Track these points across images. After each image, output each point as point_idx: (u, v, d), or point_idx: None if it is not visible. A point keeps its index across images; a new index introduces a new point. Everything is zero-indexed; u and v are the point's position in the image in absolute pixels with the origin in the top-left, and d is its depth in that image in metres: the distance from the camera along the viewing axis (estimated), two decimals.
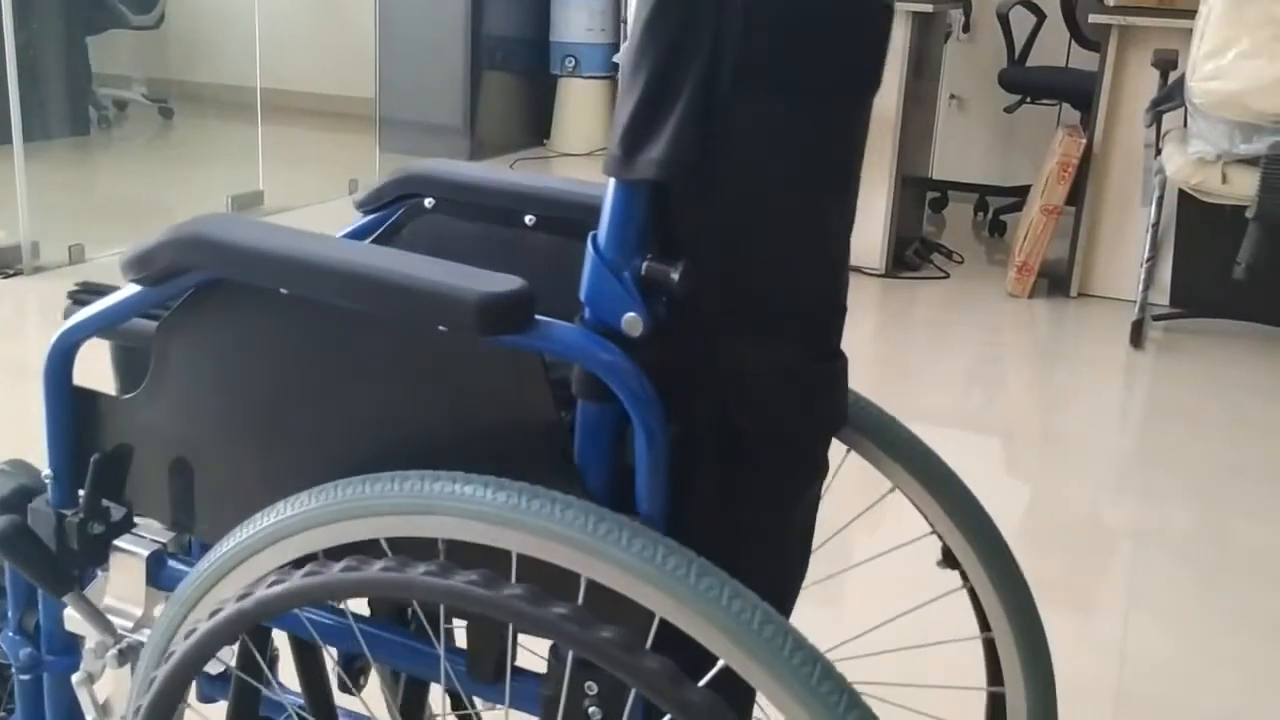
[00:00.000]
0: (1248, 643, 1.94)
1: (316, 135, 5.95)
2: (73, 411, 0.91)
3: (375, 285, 0.77)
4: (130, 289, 0.87)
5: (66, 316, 0.90)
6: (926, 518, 0.99)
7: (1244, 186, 3.09)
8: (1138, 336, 3.42)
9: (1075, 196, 3.79)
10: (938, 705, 0.98)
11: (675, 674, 0.69)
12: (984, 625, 0.99)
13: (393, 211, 1.06)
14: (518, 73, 5.69)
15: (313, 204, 4.51)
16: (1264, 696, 1.80)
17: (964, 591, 1.00)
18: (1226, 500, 2.49)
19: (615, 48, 4.66)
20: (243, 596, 0.78)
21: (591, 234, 0.76)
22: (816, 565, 0.94)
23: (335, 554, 0.77)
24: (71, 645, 0.98)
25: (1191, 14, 3.16)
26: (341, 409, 0.83)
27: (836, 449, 0.99)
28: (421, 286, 0.76)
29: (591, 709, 0.77)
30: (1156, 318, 3.59)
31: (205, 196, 4.57)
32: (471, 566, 0.73)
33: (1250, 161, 3.06)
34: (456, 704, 1.14)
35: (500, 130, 5.64)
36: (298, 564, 0.78)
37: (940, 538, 0.99)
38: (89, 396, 0.91)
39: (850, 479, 1.01)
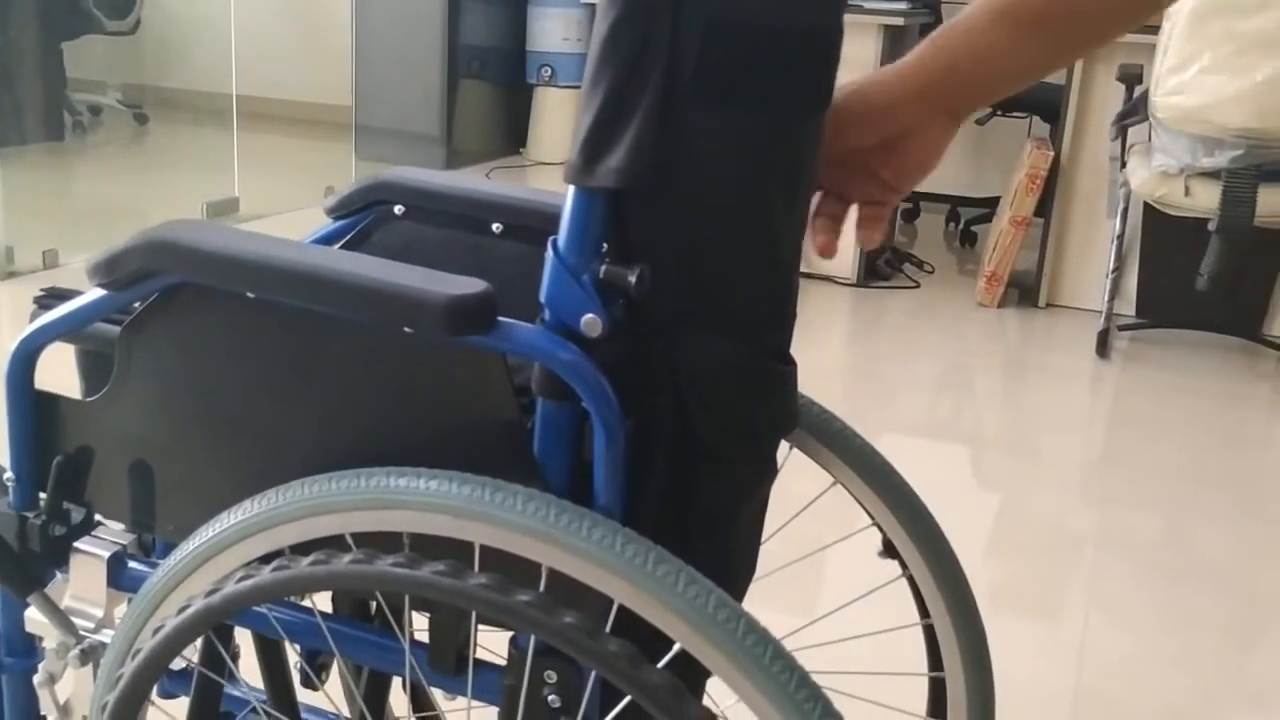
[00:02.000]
0: (1206, 644, 1.97)
1: (293, 142, 5.96)
2: (34, 415, 0.92)
3: (342, 288, 0.79)
4: (95, 293, 0.88)
5: (32, 320, 0.91)
6: (866, 510, 1.02)
7: (1206, 199, 3.14)
8: (1103, 346, 3.47)
9: (1043, 208, 3.84)
10: (881, 691, 1.01)
11: (636, 656, 0.71)
12: (923, 612, 1.03)
13: (362, 218, 1.07)
14: (494, 81, 5.72)
15: (288, 211, 4.51)
16: (1219, 696, 1.84)
17: (904, 581, 1.04)
18: (1187, 506, 2.53)
19: None
20: (211, 592, 0.79)
21: (552, 239, 0.78)
22: (762, 560, 0.97)
23: (301, 551, 0.79)
24: (29, 647, 0.99)
25: (1155, 29, 3.21)
26: (306, 410, 0.85)
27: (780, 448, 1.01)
28: (388, 289, 0.78)
29: (550, 697, 0.79)
30: (1122, 328, 3.63)
31: (180, 203, 4.57)
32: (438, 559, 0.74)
33: (1212, 175, 3.11)
34: (417, 697, 1.16)
35: (477, 138, 5.66)
36: (264, 561, 0.80)
37: (880, 529, 1.02)
38: (51, 400, 0.92)
39: (791, 475, 1.04)
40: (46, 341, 0.91)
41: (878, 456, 1.02)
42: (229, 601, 0.78)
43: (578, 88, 5.54)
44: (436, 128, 5.44)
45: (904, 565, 1.03)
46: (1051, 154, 3.80)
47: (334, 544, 0.79)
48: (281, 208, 4.54)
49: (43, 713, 0.98)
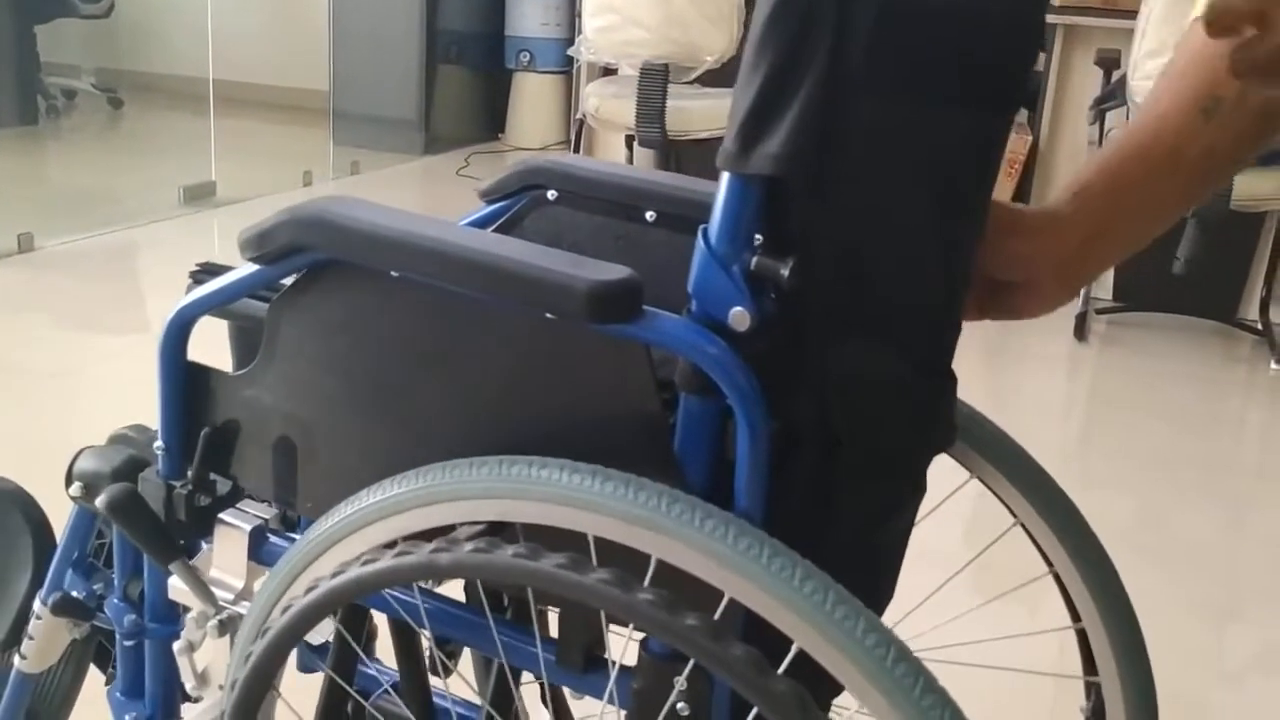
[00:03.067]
0: (1182, 624, 2.02)
1: (269, 127, 5.90)
2: (186, 386, 0.93)
3: (484, 271, 0.78)
4: (246, 269, 0.89)
5: (187, 294, 0.93)
6: (1045, 557, 0.97)
7: None
8: (1081, 330, 3.53)
9: (1022, 192, 3.92)
10: None
11: (760, 661, 0.68)
12: (1089, 669, 0.99)
13: (515, 202, 1.07)
14: (472, 67, 5.70)
15: (266, 196, 4.49)
16: (1196, 675, 1.88)
17: (1073, 632, 0.99)
18: (1164, 487, 2.59)
19: (569, 42, 4.69)
20: (337, 574, 0.79)
21: (702, 227, 0.75)
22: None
23: (438, 536, 0.77)
24: (173, 614, 1.01)
25: (1134, 14, 3.26)
26: (446, 394, 0.84)
27: (955, 473, 0.97)
28: (531, 273, 0.76)
29: (680, 704, 0.76)
30: (1099, 311, 3.70)
31: (156, 187, 4.53)
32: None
33: None
34: (553, 693, 1.12)
35: (455, 124, 5.65)
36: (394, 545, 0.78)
37: (1057, 578, 0.97)
38: (202, 372, 0.94)
39: (965, 505, 1.01)
40: (199, 314, 0.92)
41: (1068, 502, 0.98)
42: (354, 584, 0.78)
43: (556, 73, 5.57)
44: (414, 113, 5.42)
45: (1084, 638, 0.98)
46: (1030, 139, 3.89)
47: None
48: (259, 192, 4.52)
49: (182, 680, 1.01)
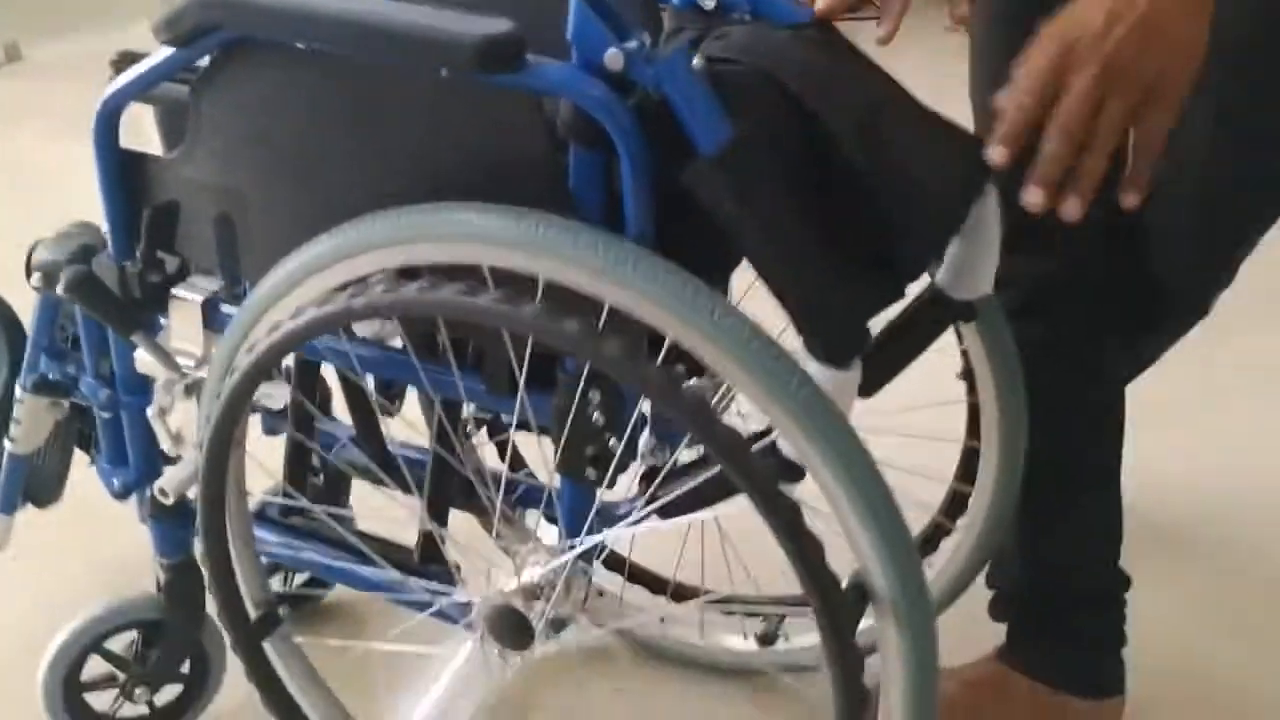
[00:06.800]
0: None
1: None
2: (122, 172, 0.99)
3: (379, 32, 0.82)
4: (162, 52, 0.93)
5: (110, 83, 0.97)
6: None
7: None
8: None
9: None
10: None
11: (636, 349, 0.77)
12: (973, 434, 1.15)
13: None
14: None
15: None
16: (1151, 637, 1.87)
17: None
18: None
19: None
20: (296, 315, 0.87)
21: None
22: None
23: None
24: (143, 385, 1.10)
25: None
26: (359, 156, 0.90)
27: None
28: (420, 31, 0.81)
29: (595, 415, 0.86)
30: None
31: None
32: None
33: None
34: (489, 421, 1.25)
35: None
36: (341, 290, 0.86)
37: (964, 355, 1.09)
38: (137, 158, 0.99)
39: None
40: (124, 101, 0.98)
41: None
42: (312, 323, 0.86)
43: None
44: None
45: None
46: None
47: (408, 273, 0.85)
48: None
49: (159, 443, 1.11)
